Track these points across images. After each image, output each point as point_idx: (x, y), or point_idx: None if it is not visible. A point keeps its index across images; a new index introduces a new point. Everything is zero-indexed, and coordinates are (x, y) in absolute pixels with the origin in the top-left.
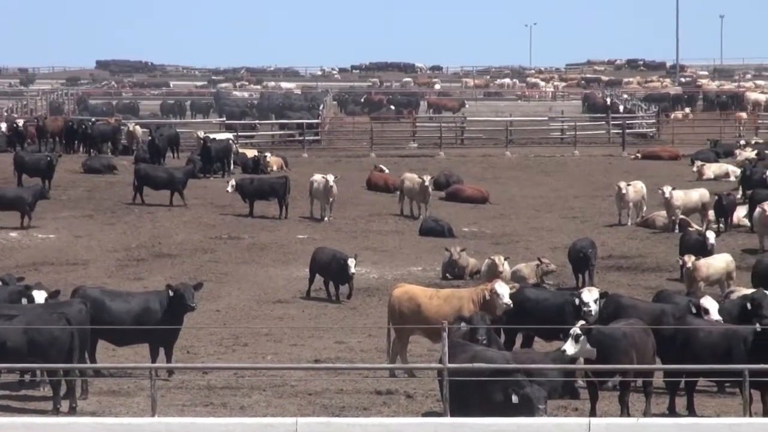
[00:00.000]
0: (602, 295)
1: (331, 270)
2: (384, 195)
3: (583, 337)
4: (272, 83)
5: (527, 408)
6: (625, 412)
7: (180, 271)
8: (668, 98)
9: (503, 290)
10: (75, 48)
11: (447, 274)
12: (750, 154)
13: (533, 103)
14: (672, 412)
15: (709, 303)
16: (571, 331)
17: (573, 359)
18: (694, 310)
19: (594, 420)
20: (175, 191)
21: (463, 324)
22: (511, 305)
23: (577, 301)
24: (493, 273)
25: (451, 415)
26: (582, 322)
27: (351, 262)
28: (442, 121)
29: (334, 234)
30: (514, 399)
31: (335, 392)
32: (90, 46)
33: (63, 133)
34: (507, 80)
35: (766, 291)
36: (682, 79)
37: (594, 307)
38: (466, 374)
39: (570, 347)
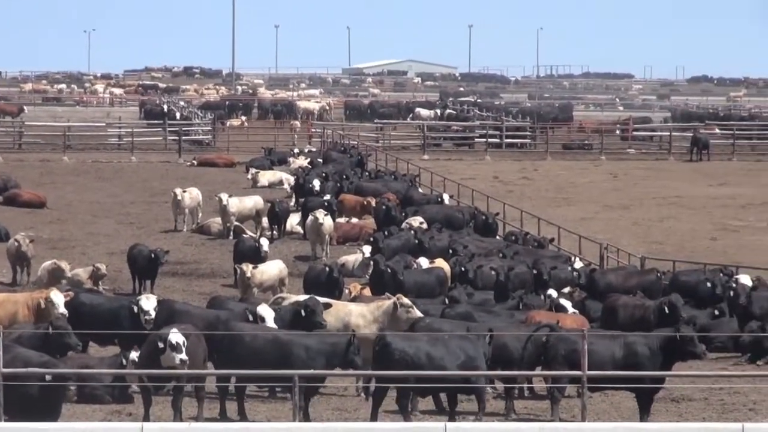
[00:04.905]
0: (159, 302)
1: None
2: None
3: None
4: None
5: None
6: (177, 416)
7: None
8: (224, 106)
9: (59, 299)
10: None
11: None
12: (303, 162)
13: (91, 109)
14: (223, 416)
15: (266, 311)
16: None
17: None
18: (251, 318)
19: (147, 425)
20: None
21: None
22: (66, 314)
23: (135, 307)
24: (57, 277)
25: (7, 420)
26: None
27: None
28: (0, 125)
29: None
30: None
31: None
32: None
33: None
34: (64, 86)
35: (317, 297)
36: (239, 87)
37: (154, 315)
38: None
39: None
